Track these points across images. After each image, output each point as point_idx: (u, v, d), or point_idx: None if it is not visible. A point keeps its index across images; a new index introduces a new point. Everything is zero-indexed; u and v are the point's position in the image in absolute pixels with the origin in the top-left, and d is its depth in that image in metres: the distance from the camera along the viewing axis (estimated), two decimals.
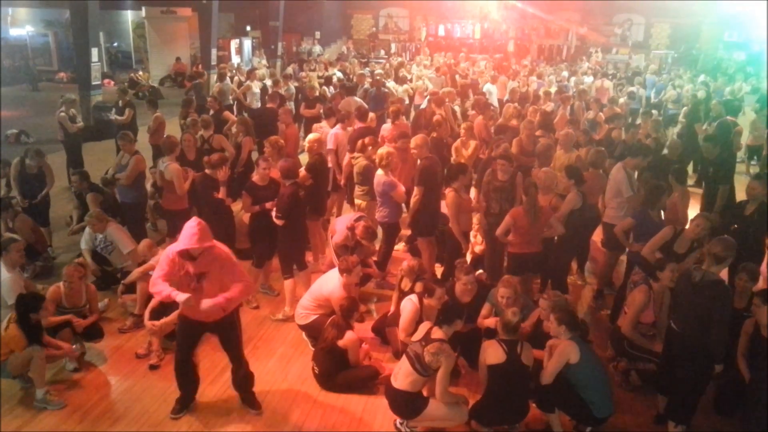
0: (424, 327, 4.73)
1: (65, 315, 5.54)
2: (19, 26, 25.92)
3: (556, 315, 4.67)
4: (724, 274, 5.03)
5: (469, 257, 7.21)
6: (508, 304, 5.17)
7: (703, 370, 4.50)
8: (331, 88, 14.87)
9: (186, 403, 4.97)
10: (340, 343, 5.17)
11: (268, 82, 15.21)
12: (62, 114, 10.08)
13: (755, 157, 12.36)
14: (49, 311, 5.46)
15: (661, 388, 4.89)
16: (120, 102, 11.27)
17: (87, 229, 6.86)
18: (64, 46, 25.64)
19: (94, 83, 14.28)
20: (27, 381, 5.12)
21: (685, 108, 13.62)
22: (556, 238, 6.51)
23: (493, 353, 4.53)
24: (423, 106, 11.47)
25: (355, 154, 7.70)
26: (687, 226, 5.85)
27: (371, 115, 10.17)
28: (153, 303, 5.83)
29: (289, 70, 18.73)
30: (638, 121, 11.74)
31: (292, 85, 14.48)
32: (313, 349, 5.67)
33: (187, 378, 4.95)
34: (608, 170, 7.19)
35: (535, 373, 4.68)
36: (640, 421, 5.00)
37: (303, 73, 18.04)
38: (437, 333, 4.58)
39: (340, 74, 17.05)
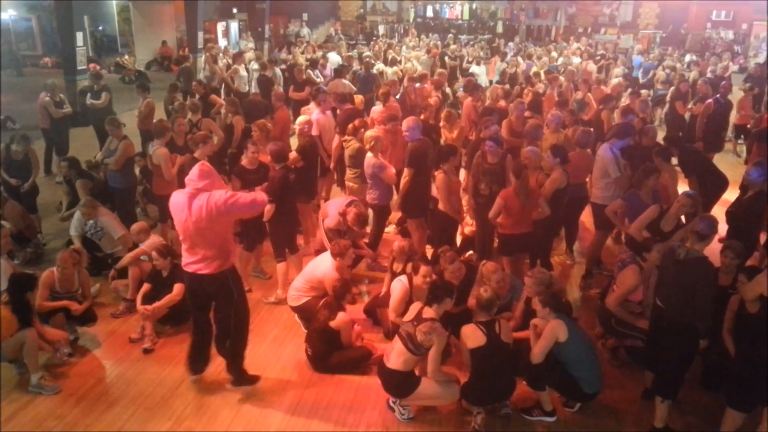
0: (415, 307, 4.79)
1: (58, 300, 5.56)
2: (1, 10, 25.49)
3: (540, 297, 4.75)
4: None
5: (459, 239, 7.27)
6: (498, 285, 5.25)
7: (688, 346, 4.57)
8: (317, 71, 14.76)
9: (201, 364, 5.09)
10: (333, 324, 5.23)
11: (255, 66, 15.12)
12: (47, 99, 9.97)
13: (742, 136, 12.45)
14: (43, 296, 5.48)
15: (649, 364, 4.98)
16: (95, 86, 11.13)
17: (76, 215, 6.86)
18: (48, 31, 25.23)
19: (79, 68, 14.11)
20: (22, 366, 5.14)
21: (672, 88, 13.68)
22: None
23: (472, 337, 4.59)
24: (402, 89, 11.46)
25: (347, 137, 7.69)
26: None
27: (360, 97, 10.16)
28: (145, 288, 5.88)
29: (282, 55, 18.59)
30: (624, 101, 11.78)
31: (278, 69, 14.37)
32: (305, 331, 5.72)
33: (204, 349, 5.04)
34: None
35: (525, 351, 4.76)
36: (628, 396, 5.11)
37: (290, 55, 17.92)
38: (428, 312, 4.64)
39: (336, 57, 16.78)
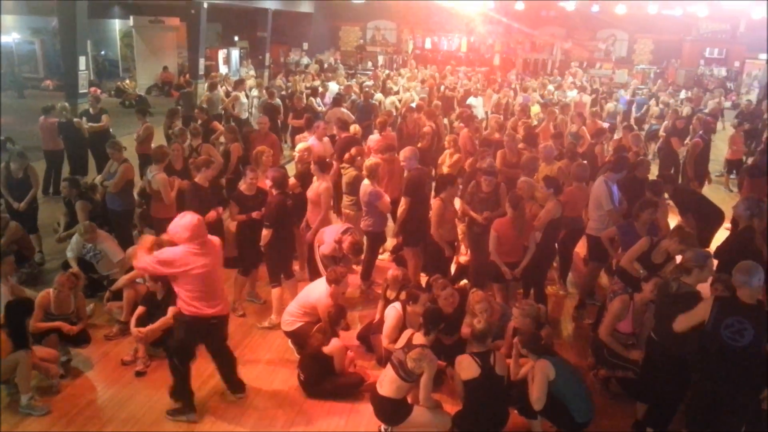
0: (406, 334, 4.82)
1: (53, 321, 5.56)
2: (5, 33, 25.76)
3: (520, 338, 4.79)
4: None
5: (453, 267, 7.32)
6: (484, 314, 5.29)
7: (680, 379, 4.62)
8: (318, 99, 14.93)
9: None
10: (326, 349, 5.25)
11: (255, 93, 15.32)
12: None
13: (734, 171, 12.61)
14: (38, 317, 5.49)
15: (640, 396, 5.01)
16: (91, 109, 11.18)
17: (75, 237, 6.89)
18: (51, 54, 25.49)
19: (81, 91, 14.26)
20: (12, 387, 5.12)
21: (666, 123, 13.87)
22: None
23: (467, 368, 4.59)
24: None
25: (344, 165, 7.79)
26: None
27: (356, 126, 10.28)
28: (139, 310, 5.88)
29: (279, 81, 18.81)
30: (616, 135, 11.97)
31: (277, 99, 14.55)
32: (298, 356, 5.73)
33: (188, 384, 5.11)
34: None
35: (516, 382, 4.78)
36: (619, 427, 5.11)
37: (289, 83, 18.15)
38: (419, 339, 4.67)
39: (335, 86, 16.95)
